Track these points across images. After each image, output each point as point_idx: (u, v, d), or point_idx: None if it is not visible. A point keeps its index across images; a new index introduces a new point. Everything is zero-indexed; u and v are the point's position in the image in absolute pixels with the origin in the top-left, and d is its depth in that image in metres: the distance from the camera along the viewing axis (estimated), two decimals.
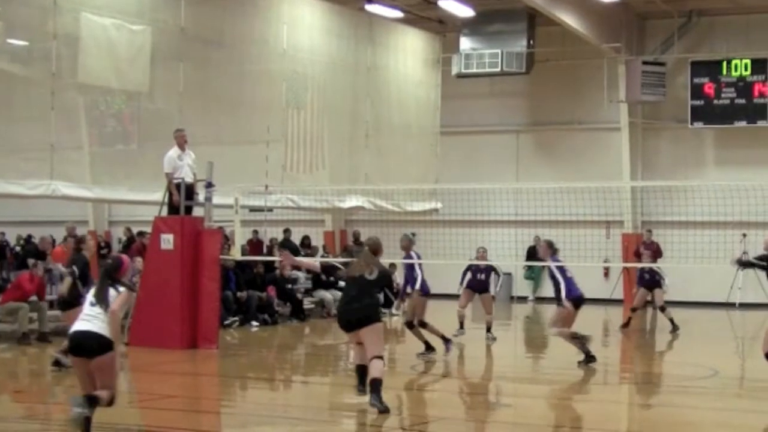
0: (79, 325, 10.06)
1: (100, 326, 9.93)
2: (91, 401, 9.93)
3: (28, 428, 11.67)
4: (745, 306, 28.40)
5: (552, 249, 16.73)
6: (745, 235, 27.12)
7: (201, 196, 19.94)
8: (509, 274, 32.51)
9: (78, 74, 20.67)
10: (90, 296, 10.23)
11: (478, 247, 20.93)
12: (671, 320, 22.54)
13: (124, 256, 10.76)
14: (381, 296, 13.14)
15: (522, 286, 32.53)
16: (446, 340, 17.88)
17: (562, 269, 16.44)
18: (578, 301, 16.32)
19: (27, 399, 14.01)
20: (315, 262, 14.77)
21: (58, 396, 14.45)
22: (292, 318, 24.69)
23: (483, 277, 20.16)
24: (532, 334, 25.01)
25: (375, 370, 12.14)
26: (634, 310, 23.13)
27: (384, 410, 11.96)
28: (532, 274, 32.63)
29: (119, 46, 21.18)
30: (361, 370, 12.68)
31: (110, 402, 10.08)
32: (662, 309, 22.86)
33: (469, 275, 20.30)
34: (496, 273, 20.52)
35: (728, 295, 28.63)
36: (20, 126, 20.41)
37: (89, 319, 10.02)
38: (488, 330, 20.41)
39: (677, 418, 12.68)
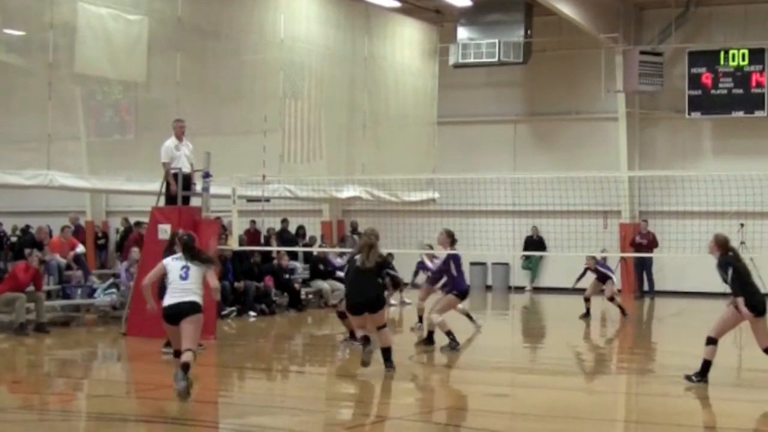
0: (172, 299, 11.77)
1: (192, 295, 11.70)
2: (185, 368, 11.62)
3: (25, 418, 11.66)
4: None
5: (452, 239, 17.32)
6: (742, 225, 27.13)
7: (198, 186, 19.91)
8: (507, 264, 32.57)
9: (75, 64, 20.65)
10: (178, 270, 11.83)
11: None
12: (620, 307, 22.72)
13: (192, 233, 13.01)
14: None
15: (519, 276, 32.56)
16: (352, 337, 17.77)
17: (457, 260, 17.09)
18: (464, 294, 17.42)
19: (24, 389, 14.01)
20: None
21: (55, 386, 14.48)
22: (289, 308, 24.71)
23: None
24: (530, 324, 25.04)
25: (384, 339, 14.31)
26: (587, 300, 23.07)
27: (391, 368, 14.20)
28: (530, 264, 32.65)
29: (116, 36, 21.15)
30: (366, 339, 14.29)
31: (194, 357, 11.77)
32: (611, 299, 22.92)
33: (421, 272, 20.29)
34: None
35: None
36: (17, 116, 20.40)
37: (180, 293, 11.74)
38: (469, 317, 20.23)
39: (674, 408, 12.69)
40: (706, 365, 13.66)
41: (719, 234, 14.08)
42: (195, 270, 11.90)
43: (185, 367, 11.63)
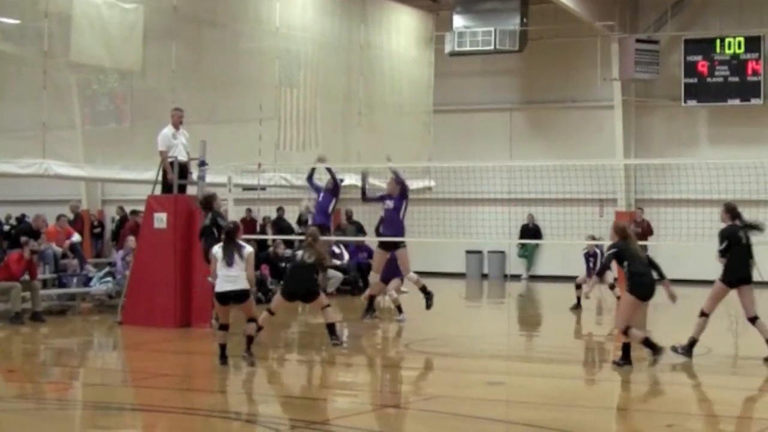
0: (224, 286, 13.72)
1: (241, 283, 13.67)
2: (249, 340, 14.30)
3: (21, 407, 11.67)
4: None
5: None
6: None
7: (194, 175, 19.90)
8: (503, 252, 32.56)
9: (70, 53, 20.61)
10: (222, 258, 13.67)
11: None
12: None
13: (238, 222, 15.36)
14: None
15: (515, 264, 32.55)
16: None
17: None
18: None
19: (20, 378, 14.01)
20: None
21: (51, 375, 14.47)
22: None
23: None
24: (526, 312, 25.04)
25: (328, 317, 16.21)
26: (578, 286, 22.77)
27: (338, 343, 16.08)
28: (526, 253, 32.66)
29: (111, 24, 21.10)
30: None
31: (256, 323, 14.39)
32: (612, 287, 22.83)
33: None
34: None
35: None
36: (12, 105, 20.38)
37: (231, 280, 13.66)
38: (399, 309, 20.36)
39: (670, 396, 12.71)
40: (648, 342, 14.20)
41: (618, 222, 14.90)
42: (237, 257, 13.64)
43: (249, 339, 14.20)
